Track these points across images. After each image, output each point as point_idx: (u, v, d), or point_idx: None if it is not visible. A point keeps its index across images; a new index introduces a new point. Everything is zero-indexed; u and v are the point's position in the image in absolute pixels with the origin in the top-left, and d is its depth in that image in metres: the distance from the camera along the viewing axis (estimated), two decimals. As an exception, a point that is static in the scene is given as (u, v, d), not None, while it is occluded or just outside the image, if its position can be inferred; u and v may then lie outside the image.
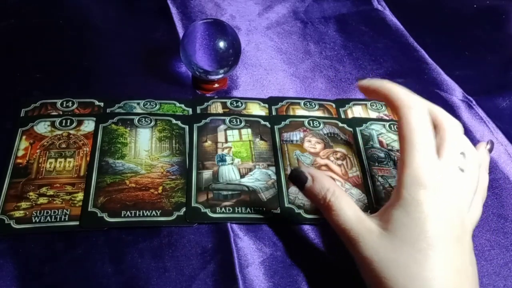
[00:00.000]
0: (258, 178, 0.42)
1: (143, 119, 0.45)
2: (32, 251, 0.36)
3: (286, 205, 0.40)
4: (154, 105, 0.47)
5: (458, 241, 0.31)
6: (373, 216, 0.32)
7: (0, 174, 0.39)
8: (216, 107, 0.48)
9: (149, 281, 0.35)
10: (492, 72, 0.58)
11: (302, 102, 0.50)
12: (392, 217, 0.31)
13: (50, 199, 0.38)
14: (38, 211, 0.37)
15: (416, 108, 0.34)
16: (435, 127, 0.34)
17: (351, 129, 0.47)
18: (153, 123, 0.45)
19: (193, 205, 0.39)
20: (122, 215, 0.38)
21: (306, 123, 0.47)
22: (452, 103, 0.52)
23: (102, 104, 0.47)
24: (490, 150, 0.39)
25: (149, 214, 0.38)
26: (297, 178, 0.34)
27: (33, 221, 0.37)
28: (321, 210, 0.34)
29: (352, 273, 0.37)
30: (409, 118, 0.33)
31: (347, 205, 0.32)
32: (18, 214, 0.37)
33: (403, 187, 0.31)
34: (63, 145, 0.42)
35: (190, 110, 0.48)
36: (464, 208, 0.32)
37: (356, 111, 0.50)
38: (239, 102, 0.49)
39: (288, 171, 0.42)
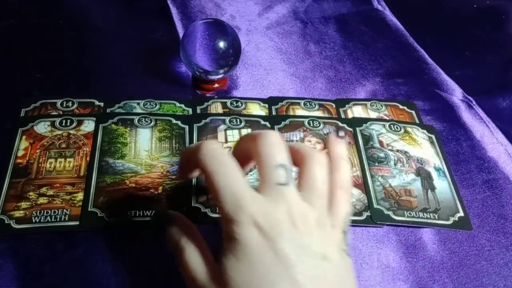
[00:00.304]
0: (258, 178, 0.42)
1: (143, 119, 0.45)
2: (32, 251, 0.36)
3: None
4: (154, 105, 0.47)
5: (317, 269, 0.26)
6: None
7: (0, 174, 0.39)
8: (216, 107, 0.48)
9: (149, 281, 0.35)
10: (492, 72, 0.58)
11: (302, 102, 0.50)
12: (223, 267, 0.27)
13: (50, 199, 0.38)
14: (38, 211, 0.37)
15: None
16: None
17: (351, 129, 0.47)
18: (153, 123, 0.45)
19: (193, 205, 0.39)
20: (122, 215, 0.38)
21: (306, 123, 0.47)
22: (452, 103, 0.52)
23: (102, 104, 0.47)
24: (342, 137, 0.34)
25: (149, 214, 0.38)
26: (162, 219, 0.32)
27: (33, 221, 0.37)
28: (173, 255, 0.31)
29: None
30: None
31: (195, 254, 0.29)
32: (18, 214, 0.37)
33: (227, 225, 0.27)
34: (63, 145, 0.42)
35: (190, 110, 0.48)
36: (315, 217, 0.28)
37: (356, 111, 0.50)
38: (239, 102, 0.49)
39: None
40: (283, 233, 0.26)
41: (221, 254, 0.27)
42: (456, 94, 0.54)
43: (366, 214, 0.40)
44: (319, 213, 0.29)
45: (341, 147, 0.32)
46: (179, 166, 0.34)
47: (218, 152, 0.29)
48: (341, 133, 0.34)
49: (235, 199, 0.27)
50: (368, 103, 0.51)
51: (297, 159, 0.30)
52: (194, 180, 0.41)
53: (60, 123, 0.44)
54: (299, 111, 0.49)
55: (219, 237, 0.38)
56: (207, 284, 0.27)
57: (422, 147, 0.46)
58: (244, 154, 0.31)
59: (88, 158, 0.41)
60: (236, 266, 0.26)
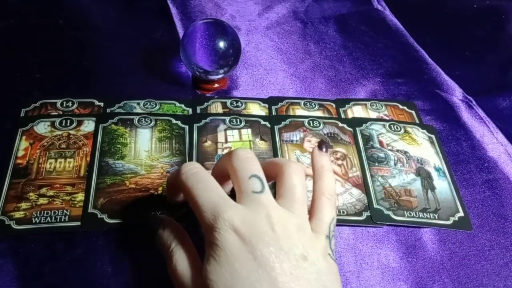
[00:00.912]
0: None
1: (143, 119, 0.45)
2: (32, 251, 0.36)
3: (286, 205, 0.40)
4: (154, 105, 0.47)
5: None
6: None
7: (0, 175, 0.39)
8: (216, 107, 0.48)
9: (149, 281, 0.35)
10: (492, 72, 0.58)
11: (302, 102, 0.50)
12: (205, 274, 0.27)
13: (50, 199, 0.38)
14: (38, 212, 0.37)
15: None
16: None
17: (351, 129, 0.47)
18: (153, 123, 0.45)
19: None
20: (122, 216, 0.38)
21: (306, 123, 0.47)
22: (452, 103, 0.52)
23: (102, 104, 0.47)
24: (324, 149, 0.34)
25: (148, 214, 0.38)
26: (150, 224, 0.33)
27: (33, 221, 0.37)
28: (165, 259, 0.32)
29: (352, 272, 0.37)
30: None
31: (184, 259, 0.30)
32: (18, 214, 0.37)
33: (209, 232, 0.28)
34: (63, 145, 0.42)
35: (190, 110, 0.48)
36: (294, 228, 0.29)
37: (356, 111, 0.50)
38: (239, 102, 0.49)
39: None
40: (262, 237, 0.27)
41: (204, 260, 0.28)
42: (456, 94, 0.54)
43: (366, 214, 0.40)
44: (299, 218, 0.29)
45: (324, 160, 0.33)
46: (167, 190, 0.36)
47: (196, 171, 0.30)
48: (324, 147, 0.34)
49: (213, 208, 0.28)
50: (368, 103, 0.51)
51: (274, 172, 0.32)
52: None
53: (60, 123, 0.44)
54: (299, 111, 0.49)
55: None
56: None
57: (422, 147, 0.46)
58: (222, 173, 0.33)
59: (88, 159, 0.41)
60: (218, 269, 0.27)
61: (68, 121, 0.44)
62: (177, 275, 0.29)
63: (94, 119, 0.45)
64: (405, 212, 0.41)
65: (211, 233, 0.28)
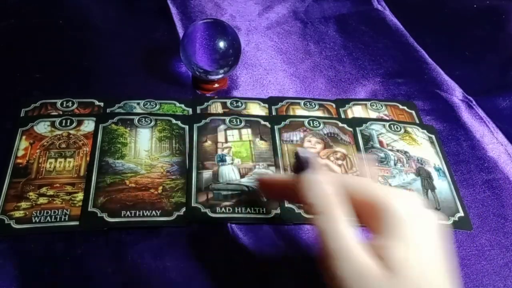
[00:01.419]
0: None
1: (143, 119, 0.45)
2: (32, 251, 0.36)
3: (286, 205, 0.40)
4: (154, 105, 0.47)
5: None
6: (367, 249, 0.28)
7: (0, 174, 0.39)
8: (216, 107, 0.48)
9: (149, 281, 0.35)
10: (492, 72, 0.58)
11: (302, 102, 0.50)
12: (396, 257, 0.27)
13: (50, 199, 0.38)
14: (38, 211, 0.37)
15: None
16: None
17: (351, 129, 0.47)
18: (153, 123, 0.45)
19: (193, 205, 0.39)
20: (122, 215, 0.38)
21: (306, 123, 0.47)
22: (452, 103, 0.52)
23: (102, 104, 0.47)
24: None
25: (149, 214, 0.38)
26: (301, 163, 0.30)
27: (33, 221, 0.37)
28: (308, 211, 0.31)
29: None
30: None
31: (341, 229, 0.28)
32: (18, 214, 0.37)
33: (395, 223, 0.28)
34: (63, 145, 0.42)
35: (190, 110, 0.48)
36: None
37: (356, 111, 0.50)
38: (239, 102, 0.49)
39: (288, 171, 0.42)
40: None
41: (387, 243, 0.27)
42: (456, 94, 0.54)
43: (366, 214, 0.40)
44: None
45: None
46: (263, 188, 0.36)
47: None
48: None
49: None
50: (368, 103, 0.51)
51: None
52: (194, 180, 0.41)
53: (60, 123, 0.44)
54: (299, 111, 0.49)
55: (217, 235, 0.38)
56: (364, 255, 0.27)
57: (422, 147, 0.46)
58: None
59: (88, 158, 0.41)
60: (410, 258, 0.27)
61: (68, 121, 0.44)
62: (340, 238, 0.27)
63: (94, 119, 0.45)
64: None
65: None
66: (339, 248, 0.27)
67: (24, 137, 0.43)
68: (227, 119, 0.46)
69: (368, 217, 0.29)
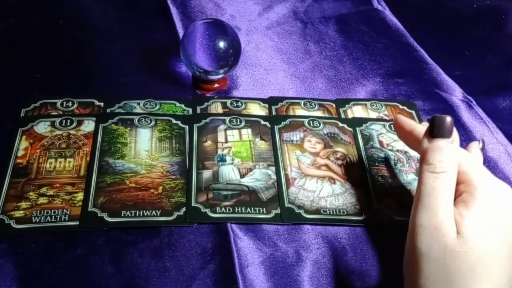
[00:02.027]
0: (258, 178, 0.42)
1: (143, 119, 0.45)
2: (32, 251, 0.36)
3: (286, 205, 0.40)
4: (154, 105, 0.47)
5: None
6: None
7: (0, 174, 0.39)
8: (216, 107, 0.48)
9: (149, 281, 0.35)
10: (492, 72, 0.58)
11: (302, 102, 0.50)
12: (469, 226, 0.30)
13: (50, 199, 0.38)
14: (38, 211, 0.37)
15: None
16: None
17: (351, 129, 0.47)
18: (153, 123, 0.45)
19: (193, 205, 0.39)
20: (122, 215, 0.38)
21: (306, 123, 0.47)
22: (452, 103, 0.52)
23: (102, 104, 0.47)
24: (482, 149, 0.38)
25: (149, 214, 0.38)
26: (440, 126, 0.33)
27: (33, 221, 0.37)
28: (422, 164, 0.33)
29: (352, 272, 0.37)
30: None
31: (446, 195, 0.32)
32: (18, 214, 0.37)
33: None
34: (63, 145, 0.42)
35: (190, 110, 0.48)
36: None
37: (356, 111, 0.50)
38: (239, 102, 0.49)
39: (288, 171, 0.42)
40: None
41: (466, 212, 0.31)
42: (456, 94, 0.53)
43: (366, 214, 0.40)
44: None
45: (479, 157, 0.38)
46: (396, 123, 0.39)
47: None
48: (482, 145, 0.39)
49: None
50: (368, 103, 0.51)
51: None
52: (194, 180, 0.41)
53: (60, 123, 0.44)
54: (299, 111, 0.49)
55: (217, 235, 0.38)
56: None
57: (422, 147, 0.46)
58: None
59: (88, 158, 0.41)
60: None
61: (68, 121, 0.44)
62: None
63: (94, 119, 0.45)
64: (405, 212, 0.41)
65: None
66: (432, 204, 0.31)
67: (24, 137, 0.43)
68: (227, 119, 0.46)
69: (460, 183, 0.33)
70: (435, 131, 0.33)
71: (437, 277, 0.30)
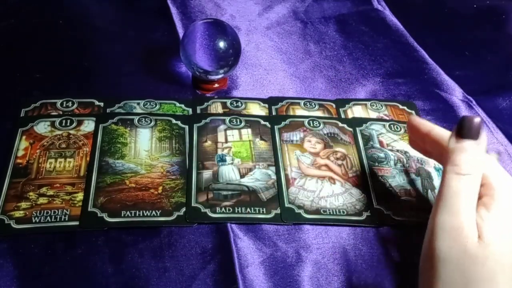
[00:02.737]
0: (258, 178, 0.42)
1: (143, 119, 0.45)
2: (32, 251, 0.36)
3: (286, 205, 0.40)
4: (154, 105, 0.47)
5: None
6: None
7: (0, 174, 0.39)
8: (216, 107, 0.48)
9: (149, 281, 0.35)
10: (492, 72, 0.58)
11: (302, 102, 0.50)
12: (490, 229, 0.30)
13: (50, 199, 0.38)
14: (38, 211, 0.37)
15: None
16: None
17: (351, 129, 0.47)
18: (153, 123, 0.45)
19: (193, 205, 0.39)
20: (122, 215, 0.38)
21: (306, 123, 0.47)
22: (452, 103, 0.52)
23: (102, 104, 0.47)
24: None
25: (149, 214, 0.38)
26: (470, 127, 0.32)
27: (33, 221, 0.37)
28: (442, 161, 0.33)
29: (352, 272, 0.37)
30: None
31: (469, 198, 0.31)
32: (18, 214, 0.37)
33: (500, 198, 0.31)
34: (63, 145, 0.42)
35: (190, 110, 0.48)
36: None
37: (356, 111, 0.50)
38: (239, 102, 0.49)
39: (288, 171, 0.42)
40: None
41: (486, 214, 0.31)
42: (456, 94, 0.53)
43: (366, 214, 0.40)
44: None
45: None
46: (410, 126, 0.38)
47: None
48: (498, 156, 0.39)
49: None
50: (368, 103, 0.51)
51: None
52: (194, 180, 0.41)
53: (60, 123, 0.44)
54: (299, 111, 0.49)
55: (217, 235, 0.38)
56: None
57: (422, 147, 0.46)
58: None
59: (88, 158, 0.41)
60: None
61: (68, 121, 0.44)
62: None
63: (94, 119, 0.45)
64: (405, 212, 0.41)
65: None
66: (454, 205, 0.31)
67: (24, 137, 0.43)
68: (227, 119, 0.46)
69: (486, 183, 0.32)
70: (464, 132, 0.32)
71: (455, 282, 0.29)
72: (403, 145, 0.46)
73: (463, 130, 0.33)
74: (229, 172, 0.42)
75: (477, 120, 0.32)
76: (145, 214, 0.38)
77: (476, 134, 0.32)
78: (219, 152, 0.44)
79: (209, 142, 0.44)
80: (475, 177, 0.31)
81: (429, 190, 0.42)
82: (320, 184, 0.42)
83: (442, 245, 0.30)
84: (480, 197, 0.32)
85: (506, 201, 0.31)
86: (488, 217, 0.30)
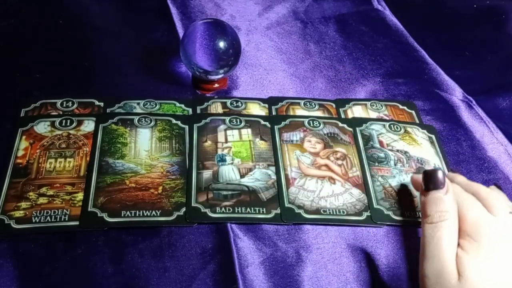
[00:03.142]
0: (258, 178, 0.42)
1: (143, 119, 0.45)
2: (32, 251, 0.36)
3: (286, 205, 0.40)
4: (154, 105, 0.47)
5: None
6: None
7: (0, 174, 0.39)
8: (216, 107, 0.48)
9: (149, 281, 0.35)
10: (492, 72, 0.58)
11: (302, 102, 0.50)
12: (468, 265, 0.32)
13: (50, 199, 0.38)
14: (38, 211, 0.37)
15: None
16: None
17: (351, 129, 0.47)
18: (153, 123, 0.45)
19: (193, 205, 0.39)
20: (122, 215, 0.38)
21: (306, 123, 0.47)
22: (452, 103, 0.52)
23: (102, 104, 0.47)
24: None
25: (149, 214, 0.38)
26: (432, 179, 0.36)
27: (33, 221, 0.37)
28: (424, 224, 0.35)
29: (352, 272, 0.37)
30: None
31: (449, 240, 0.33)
32: (18, 214, 0.37)
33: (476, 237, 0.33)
34: (63, 145, 0.42)
35: (190, 110, 0.48)
36: None
37: (356, 111, 0.50)
38: (239, 102, 0.49)
39: (288, 171, 0.42)
40: None
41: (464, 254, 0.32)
42: (456, 94, 0.53)
43: (366, 214, 0.40)
44: None
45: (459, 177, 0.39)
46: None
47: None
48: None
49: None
50: (368, 103, 0.51)
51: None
52: (194, 180, 0.41)
53: (60, 123, 0.44)
54: (299, 111, 0.49)
55: (217, 235, 0.38)
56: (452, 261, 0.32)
57: (422, 147, 0.46)
58: None
59: (88, 158, 0.41)
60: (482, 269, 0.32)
61: (68, 121, 0.44)
62: (443, 246, 0.33)
63: (94, 119, 0.45)
64: (405, 212, 0.41)
65: None
66: (433, 252, 0.33)
67: (24, 137, 0.43)
68: (227, 119, 0.46)
69: (461, 223, 0.34)
70: (429, 185, 0.36)
71: None
72: (403, 145, 0.46)
73: (428, 183, 0.36)
74: (229, 172, 0.42)
75: (439, 171, 0.36)
76: (145, 214, 0.38)
77: (441, 184, 0.35)
78: (219, 152, 0.44)
79: (209, 142, 0.44)
80: (450, 222, 0.34)
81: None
82: (320, 184, 0.42)
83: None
84: (459, 233, 0.34)
85: (483, 237, 0.33)
86: (464, 255, 0.32)
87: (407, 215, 0.40)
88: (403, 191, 0.42)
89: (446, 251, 0.32)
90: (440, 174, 0.36)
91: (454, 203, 0.35)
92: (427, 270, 0.33)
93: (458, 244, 0.33)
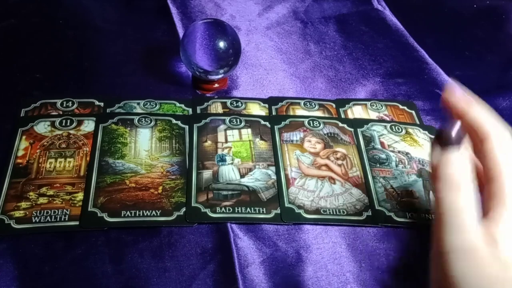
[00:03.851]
0: (258, 178, 0.42)
1: (143, 119, 0.45)
2: (32, 251, 0.36)
3: (286, 205, 0.40)
4: (154, 105, 0.47)
5: None
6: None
7: (0, 174, 0.39)
8: (216, 107, 0.48)
9: (149, 281, 0.35)
10: (492, 72, 0.58)
11: (302, 102, 0.50)
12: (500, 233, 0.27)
13: (50, 199, 0.38)
14: (38, 211, 0.37)
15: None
16: None
17: (351, 129, 0.47)
18: (153, 123, 0.45)
19: (193, 205, 0.39)
20: (122, 215, 0.38)
21: (306, 123, 0.47)
22: (452, 103, 0.52)
23: (102, 104, 0.47)
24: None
25: (149, 214, 0.38)
26: (445, 137, 0.30)
27: (33, 221, 0.37)
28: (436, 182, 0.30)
29: (352, 272, 0.37)
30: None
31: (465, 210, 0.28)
32: (18, 214, 0.37)
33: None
34: (63, 145, 0.42)
35: (190, 110, 0.48)
36: None
37: (356, 111, 0.50)
38: (239, 102, 0.49)
39: (288, 171, 0.42)
40: None
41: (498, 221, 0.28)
42: (456, 94, 0.53)
43: (366, 214, 0.40)
44: None
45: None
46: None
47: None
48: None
49: None
50: (368, 103, 0.51)
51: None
52: (194, 180, 0.41)
53: (60, 123, 0.44)
54: (299, 111, 0.49)
55: (217, 235, 0.38)
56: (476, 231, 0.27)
57: (424, 148, 0.46)
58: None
59: (88, 158, 0.41)
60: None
61: (68, 121, 0.44)
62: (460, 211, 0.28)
63: (94, 119, 0.45)
64: (407, 213, 0.41)
65: None
66: (455, 223, 0.28)
67: (24, 137, 0.43)
68: (227, 119, 0.46)
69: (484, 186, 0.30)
70: (445, 140, 0.30)
71: None
72: (405, 146, 0.46)
73: (444, 139, 0.30)
74: (229, 172, 0.42)
75: (457, 124, 0.30)
76: (145, 214, 0.38)
77: (458, 140, 0.30)
78: (219, 152, 0.44)
79: (209, 142, 0.44)
80: (470, 186, 0.29)
81: (430, 192, 0.42)
82: (320, 184, 0.42)
83: (457, 271, 0.27)
84: (487, 198, 0.29)
85: (505, 193, 0.28)
86: (499, 232, 0.27)
87: (409, 217, 0.40)
88: (405, 192, 0.42)
89: (474, 223, 0.27)
90: (459, 128, 0.30)
91: (471, 162, 0.30)
92: (451, 243, 0.27)
93: (484, 210, 0.28)
